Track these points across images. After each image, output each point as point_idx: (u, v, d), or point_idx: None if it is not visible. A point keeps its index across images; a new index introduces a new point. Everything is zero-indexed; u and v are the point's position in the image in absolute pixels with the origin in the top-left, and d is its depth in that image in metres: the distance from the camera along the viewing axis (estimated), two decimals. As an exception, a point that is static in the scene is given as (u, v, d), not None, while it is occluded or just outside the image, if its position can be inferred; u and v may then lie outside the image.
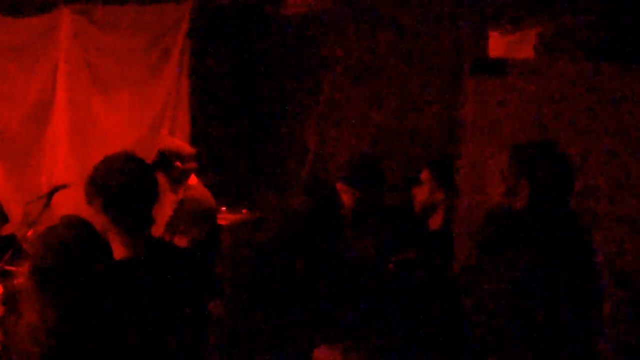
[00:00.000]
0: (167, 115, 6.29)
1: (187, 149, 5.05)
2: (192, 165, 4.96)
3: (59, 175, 6.28)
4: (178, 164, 4.87)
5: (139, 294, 2.64)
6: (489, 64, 3.98)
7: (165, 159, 4.85)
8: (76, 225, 2.57)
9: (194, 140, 6.12)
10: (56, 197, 4.63)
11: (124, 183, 2.72)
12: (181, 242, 4.63)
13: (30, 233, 4.33)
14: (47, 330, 2.41)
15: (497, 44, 5.49)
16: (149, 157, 4.66)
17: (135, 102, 6.40)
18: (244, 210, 6.15)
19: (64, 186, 4.72)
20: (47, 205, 4.59)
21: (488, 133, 3.81)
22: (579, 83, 3.90)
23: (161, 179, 4.56)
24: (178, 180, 4.91)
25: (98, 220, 2.73)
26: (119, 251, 2.72)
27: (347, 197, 4.12)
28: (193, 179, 4.96)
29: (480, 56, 4.71)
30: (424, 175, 4.22)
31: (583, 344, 2.96)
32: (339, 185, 4.16)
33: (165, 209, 4.81)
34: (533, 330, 2.87)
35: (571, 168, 3.02)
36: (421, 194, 4.21)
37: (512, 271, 2.89)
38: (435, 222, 4.16)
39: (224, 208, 5.90)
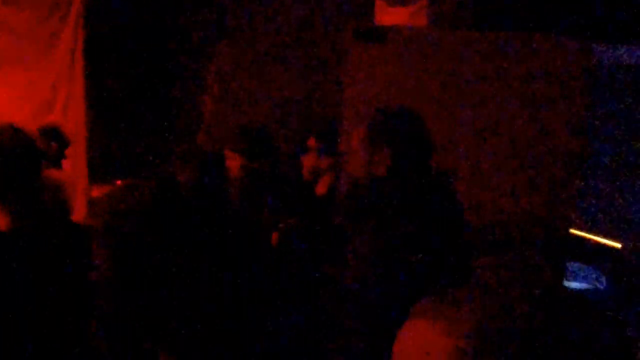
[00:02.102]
0: (62, 87, 6.26)
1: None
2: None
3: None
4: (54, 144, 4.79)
5: (22, 266, 2.66)
6: (369, 32, 4.07)
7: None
8: None
9: (90, 111, 6.12)
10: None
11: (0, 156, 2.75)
12: None
13: None
14: None
15: (390, 14, 5.61)
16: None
17: (31, 76, 6.33)
18: (117, 182, 6.05)
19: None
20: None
21: (367, 101, 3.92)
22: (460, 52, 4.04)
23: None
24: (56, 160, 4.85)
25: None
26: (2, 223, 2.76)
27: (235, 164, 4.18)
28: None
29: (363, 24, 4.79)
30: (311, 142, 4.35)
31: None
32: (227, 152, 4.21)
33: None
34: (399, 295, 2.94)
35: (427, 129, 3.00)
36: (308, 161, 4.36)
37: (378, 238, 2.91)
38: (322, 188, 4.32)
39: (119, 181, 5.86)
